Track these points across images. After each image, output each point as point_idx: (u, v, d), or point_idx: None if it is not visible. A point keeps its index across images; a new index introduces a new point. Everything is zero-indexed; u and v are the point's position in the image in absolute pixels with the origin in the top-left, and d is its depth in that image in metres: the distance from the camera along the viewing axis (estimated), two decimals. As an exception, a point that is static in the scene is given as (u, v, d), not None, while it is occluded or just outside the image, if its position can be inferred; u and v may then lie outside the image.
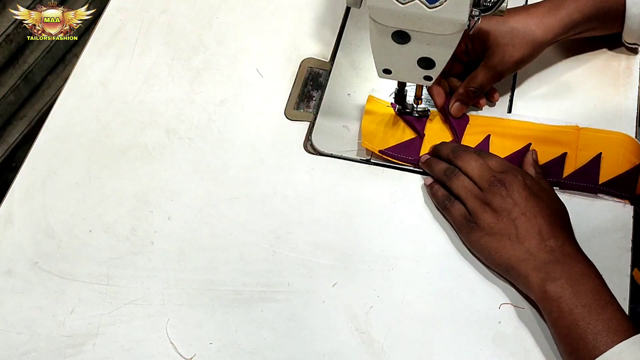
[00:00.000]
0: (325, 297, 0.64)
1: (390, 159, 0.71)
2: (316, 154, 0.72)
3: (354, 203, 0.69)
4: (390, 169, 0.71)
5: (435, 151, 0.70)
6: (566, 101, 0.73)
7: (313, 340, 0.62)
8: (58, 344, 0.63)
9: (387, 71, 0.65)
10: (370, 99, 0.74)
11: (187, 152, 0.73)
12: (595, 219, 0.66)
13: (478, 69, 0.70)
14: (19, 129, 1.32)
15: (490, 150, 0.70)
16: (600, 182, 0.67)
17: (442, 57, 0.61)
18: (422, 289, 0.64)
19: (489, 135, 0.71)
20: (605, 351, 0.53)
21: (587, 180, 0.67)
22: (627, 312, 0.60)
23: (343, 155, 0.72)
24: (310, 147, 0.73)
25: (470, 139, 0.71)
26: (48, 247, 0.68)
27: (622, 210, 0.66)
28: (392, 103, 0.74)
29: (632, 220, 0.66)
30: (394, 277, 0.64)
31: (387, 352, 0.61)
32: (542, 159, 0.69)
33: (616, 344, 0.53)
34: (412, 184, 0.70)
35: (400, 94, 0.71)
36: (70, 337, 0.63)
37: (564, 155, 0.69)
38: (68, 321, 0.64)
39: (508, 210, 0.61)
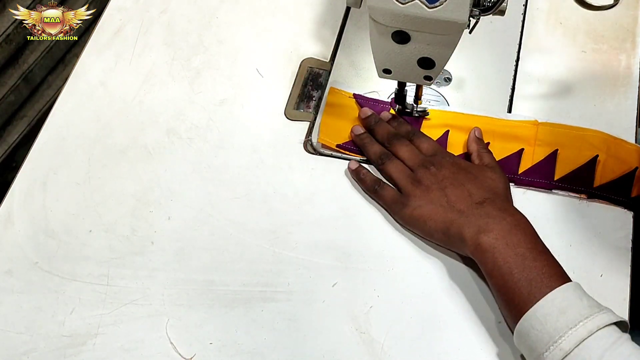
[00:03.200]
0: (325, 297, 0.64)
1: (347, 152, 0.71)
2: (316, 154, 0.72)
3: (354, 203, 0.69)
4: (390, 169, 0.71)
5: (369, 126, 0.72)
6: (566, 101, 0.73)
7: (313, 340, 0.62)
8: (58, 344, 0.63)
9: (387, 71, 0.65)
10: (332, 90, 0.74)
11: (187, 152, 0.73)
12: (595, 219, 0.66)
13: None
14: (19, 129, 1.32)
15: (449, 146, 0.71)
16: (555, 179, 0.68)
17: (442, 57, 0.61)
18: (422, 289, 0.64)
19: (448, 131, 0.72)
20: (540, 299, 0.54)
21: (543, 176, 0.68)
22: (627, 312, 0.61)
23: (343, 155, 0.72)
24: (310, 147, 0.73)
25: (429, 132, 0.72)
26: (48, 247, 0.68)
27: (622, 211, 0.66)
28: (354, 94, 0.74)
29: (632, 220, 0.66)
30: (394, 277, 0.64)
31: (387, 352, 0.61)
32: (500, 155, 0.70)
33: (550, 291, 0.54)
34: (412, 184, 0.70)
35: (400, 94, 0.71)
36: (70, 337, 0.63)
37: (521, 151, 0.70)
38: (68, 321, 0.64)
39: (438, 182, 0.64)
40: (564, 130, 0.70)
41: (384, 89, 0.75)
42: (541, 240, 0.59)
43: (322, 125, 0.72)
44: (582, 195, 0.67)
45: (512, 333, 0.57)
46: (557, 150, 0.69)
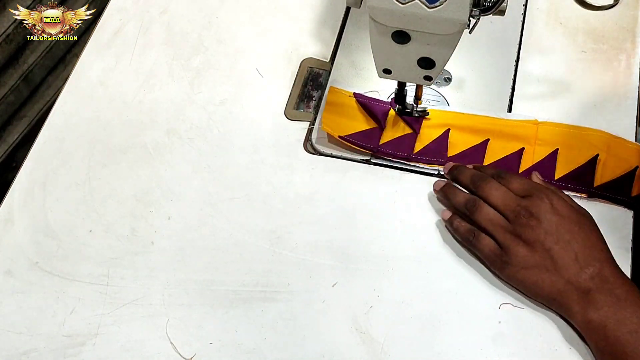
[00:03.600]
0: (325, 297, 0.64)
1: (349, 144, 0.71)
2: (316, 154, 0.72)
3: (354, 203, 0.69)
4: (390, 169, 0.71)
5: (453, 177, 0.68)
6: (566, 101, 0.73)
7: (313, 340, 0.62)
8: (58, 344, 0.63)
9: (387, 71, 0.65)
10: (332, 90, 0.74)
11: (187, 152, 0.73)
12: (595, 219, 0.66)
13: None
14: (19, 129, 1.32)
15: (449, 144, 0.71)
16: (556, 178, 0.67)
17: (442, 57, 0.61)
18: (422, 289, 0.64)
19: (448, 130, 0.72)
20: None
21: (543, 175, 0.67)
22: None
23: (343, 155, 0.72)
24: (310, 147, 0.73)
25: (429, 132, 0.72)
26: (48, 247, 0.68)
27: (622, 211, 0.66)
28: (354, 93, 0.74)
29: (632, 220, 0.66)
30: (394, 277, 0.64)
31: (387, 352, 0.61)
32: (500, 154, 0.69)
33: None
34: (412, 184, 0.70)
35: (400, 94, 0.71)
36: (70, 337, 0.63)
37: (522, 150, 0.70)
38: (68, 321, 0.64)
39: (541, 240, 0.59)
40: (565, 130, 0.70)
41: (384, 89, 0.75)
42: None
43: (323, 118, 0.72)
44: (583, 195, 0.67)
45: None
46: (557, 149, 0.69)
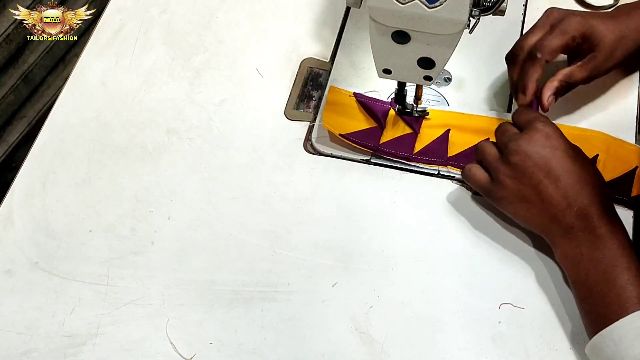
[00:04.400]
0: (325, 297, 0.64)
1: (350, 143, 0.71)
2: (316, 154, 0.72)
3: (354, 203, 0.69)
4: (390, 169, 0.71)
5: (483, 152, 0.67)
6: (566, 101, 0.73)
7: (313, 340, 0.62)
8: (58, 344, 0.63)
9: (387, 71, 0.65)
10: (332, 89, 0.74)
11: (187, 152, 0.73)
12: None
13: (575, 67, 0.68)
14: (19, 129, 1.32)
15: (449, 145, 0.71)
16: None
17: (442, 57, 0.61)
18: (422, 289, 0.64)
19: (449, 130, 0.72)
20: (616, 320, 0.54)
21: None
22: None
23: (343, 155, 0.72)
24: (310, 147, 0.73)
25: (429, 132, 0.72)
26: (48, 247, 0.68)
27: (622, 211, 0.66)
28: (354, 93, 0.74)
29: (632, 220, 0.66)
30: (394, 277, 0.64)
31: (387, 352, 0.61)
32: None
33: (627, 314, 0.53)
34: (412, 184, 0.70)
35: (400, 94, 0.71)
36: (70, 337, 0.63)
37: None
38: (68, 321, 0.64)
39: (528, 173, 0.60)
40: (564, 131, 0.70)
41: (384, 89, 0.75)
42: (629, 256, 0.57)
43: (324, 117, 0.72)
44: None
45: (589, 339, 0.57)
46: None
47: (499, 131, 0.66)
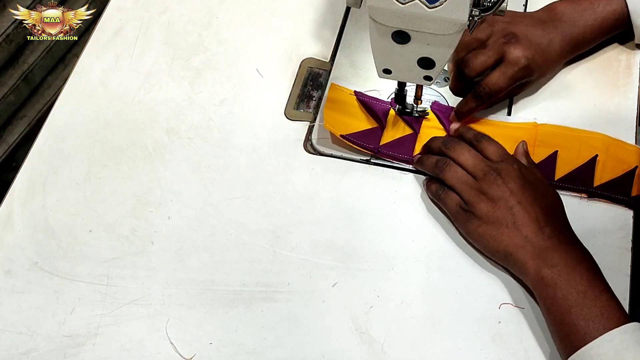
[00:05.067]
0: (325, 297, 0.64)
1: (351, 144, 0.71)
2: (316, 154, 0.72)
3: (353, 203, 0.69)
4: (390, 169, 0.71)
5: (427, 147, 0.70)
6: (566, 101, 0.73)
7: (313, 340, 0.62)
8: (58, 344, 0.63)
9: (387, 71, 0.65)
10: (333, 87, 0.74)
11: (187, 152, 0.73)
12: (595, 219, 0.66)
13: (495, 72, 0.69)
14: (19, 129, 1.32)
15: None
16: (556, 179, 0.68)
17: (442, 57, 0.61)
18: (422, 289, 0.64)
19: (449, 131, 0.72)
20: (597, 337, 0.53)
21: (544, 176, 0.67)
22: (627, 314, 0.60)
23: (343, 155, 0.72)
24: (310, 147, 0.73)
25: (429, 132, 0.72)
26: (48, 247, 0.68)
27: (622, 211, 0.66)
28: (355, 91, 0.74)
29: (632, 220, 0.66)
30: (394, 277, 0.64)
31: (387, 352, 0.61)
32: None
33: (608, 331, 0.53)
34: (412, 184, 0.70)
35: (400, 94, 0.71)
36: (70, 337, 0.63)
37: None
38: (68, 321, 0.64)
39: (505, 198, 0.62)
40: (564, 132, 0.71)
41: (384, 89, 0.75)
42: (603, 278, 0.58)
43: (325, 116, 0.72)
44: (583, 195, 0.67)
45: None
46: (557, 151, 0.69)
47: (460, 151, 0.66)
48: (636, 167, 0.68)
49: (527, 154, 0.68)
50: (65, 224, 0.69)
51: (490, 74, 0.69)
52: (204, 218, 0.69)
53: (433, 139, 0.70)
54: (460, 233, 0.66)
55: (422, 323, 0.62)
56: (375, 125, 0.73)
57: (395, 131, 0.72)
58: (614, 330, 0.53)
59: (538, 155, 0.69)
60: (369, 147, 0.71)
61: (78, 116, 0.76)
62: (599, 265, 0.59)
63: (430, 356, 0.60)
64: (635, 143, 0.70)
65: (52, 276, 0.66)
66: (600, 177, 0.67)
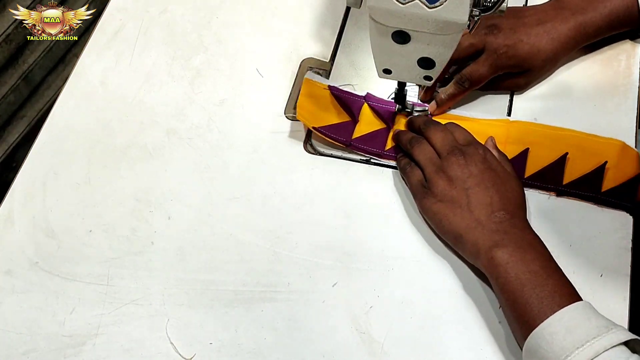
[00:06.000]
0: (325, 297, 0.64)
1: (324, 137, 0.71)
2: (316, 154, 0.72)
3: (354, 203, 0.69)
4: (390, 169, 0.71)
5: (410, 123, 0.72)
6: (566, 101, 0.73)
7: (313, 340, 0.62)
8: (58, 344, 0.63)
9: (387, 71, 0.65)
10: (307, 81, 0.74)
11: (187, 152, 0.73)
12: (595, 219, 0.66)
13: (476, 61, 0.70)
14: (19, 129, 1.32)
15: None
16: (525, 176, 0.68)
17: (442, 57, 0.61)
18: (422, 289, 0.64)
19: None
20: (549, 316, 0.54)
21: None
22: (627, 312, 0.61)
23: (343, 155, 0.72)
24: (310, 147, 0.73)
25: (402, 127, 0.72)
26: (48, 247, 0.68)
27: (622, 212, 0.66)
28: (329, 86, 0.74)
29: (632, 220, 0.66)
30: (394, 277, 0.64)
31: (387, 352, 0.61)
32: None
33: (559, 309, 0.54)
34: (412, 184, 0.70)
35: (400, 94, 0.71)
36: (70, 337, 0.63)
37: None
38: (68, 321, 0.64)
39: (463, 179, 0.63)
40: (536, 129, 0.70)
41: (383, 89, 0.75)
42: (554, 261, 0.59)
43: (298, 108, 0.72)
44: (552, 193, 0.68)
45: (521, 350, 0.56)
46: (527, 149, 0.69)
47: (433, 131, 0.68)
48: (606, 162, 0.67)
49: (495, 147, 0.69)
50: (65, 224, 0.69)
51: (472, 63, 0.70)
52: (204, 218, 0.69)
53: (418, 116, 0.72)
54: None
55: (422, 323, 0.62)
56: (347, 119, 0.73)
57: (368, 125, 0.72)
58: (564, 308, 0.54)
59: (509, 153, 0.69)
60: (341, 140, 0.71)
61: (78, 116, 0.76)
62: (599, 266, 0.59)
63: (430, 356, 0.60)
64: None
65: (52, 276, 0.66)
66: (570, 174, 0.67)
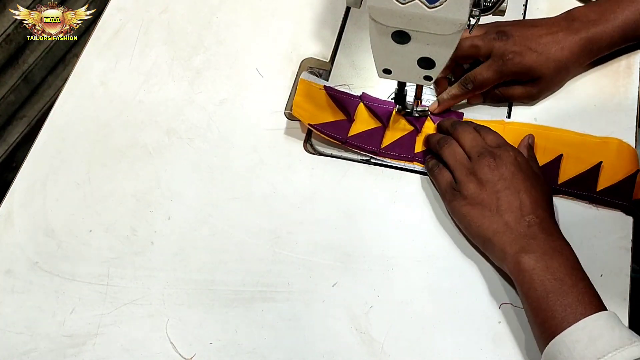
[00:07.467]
0: (325, 297, 0.64)
1: (319, 133, 0.71)
2: (316, 154, 0.72)
3: (353, 203, 0.69)
4: (390, 169, 0.71)
5: (439, 127, 0.72)
6: (566, 101, 0.73)
7: (313, 340, 0.62)
8: (58, 344, 0.63)
9: (387, 71, 0.65)
10: (302, 82, 0.74)
11: (187, 152, 0.73)
12: (595, 219, 0.66)
13: (482, 65, 0.70)
14: (19, 129, 1.32)
15: (417, 141, 0.72)
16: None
17: (442, 57, 0.61)
18: (422, 289, 0.64)
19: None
20: (572, 325, 0.53)
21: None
22: (627, 312, 0.61)
23: (343, 155, 0.72)
24: (310, 147, 0.73)
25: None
26: (48, 247, 0.68)
27: (620, 214, 0.66)
28: (325, 86, 0.74)
29: (632, 220, 0.66)
30: (394, 277, 0.64)
31: (387, 352, 0.61)
32: None
33: (583, 318, 0.53)
34: (412, 184, 0.70)
35: (400, 94, 0.71)
36: (70, 337, 0.63)
37: None
38: (68, 321, 0.64)
39: (493, 182, 0.62)
40: (530, 129, 0.70)
41: (383, 89, 0.75)
42: (582, 268, 0.58)
43: (294, 106, 0.72)
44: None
45: (541, 354, 0.56)
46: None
47: (462, 132, 0.68)
48: (601, 162, 0.67)
49: (530, 147, 0.68)
50: (65, 224, 0.69)
51: (478, 66, 0.70)
52: (204, 218, 0.69)
53: (446, 119, 0.72)
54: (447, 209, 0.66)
55: (422, 323, 0.62)
56: (343, 117, 0.73)
57: (364, 124, 0.72)
58: (587, 317, 0.53)
59: None
60: (337, 137, 0.71)
61: (78, 116, 0.76)
62: (599, 266, 0.59)
63: (430, 356, 0.60)
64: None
65: (52, 276, 0.66)
66: (565, 174, 0.67)
